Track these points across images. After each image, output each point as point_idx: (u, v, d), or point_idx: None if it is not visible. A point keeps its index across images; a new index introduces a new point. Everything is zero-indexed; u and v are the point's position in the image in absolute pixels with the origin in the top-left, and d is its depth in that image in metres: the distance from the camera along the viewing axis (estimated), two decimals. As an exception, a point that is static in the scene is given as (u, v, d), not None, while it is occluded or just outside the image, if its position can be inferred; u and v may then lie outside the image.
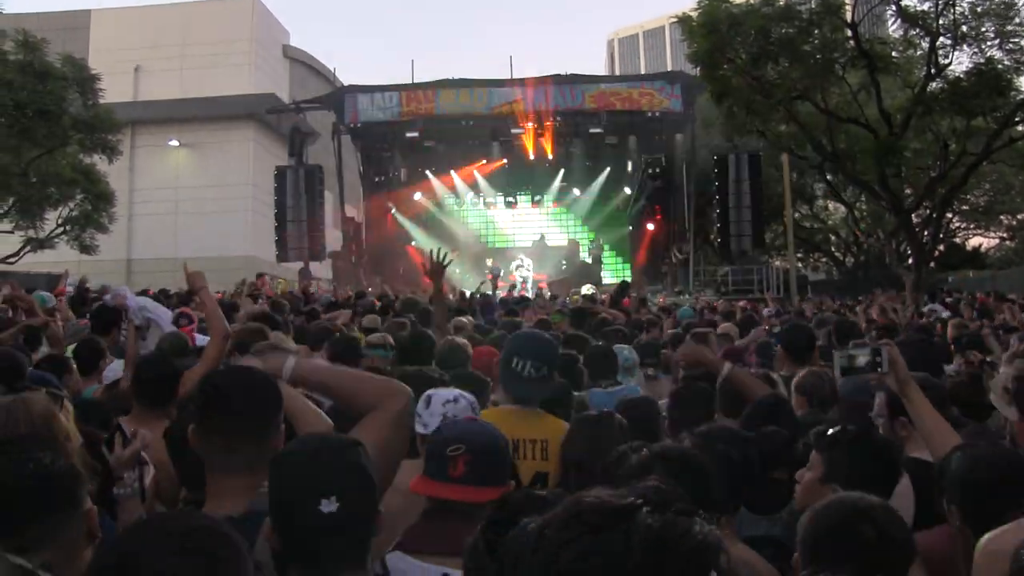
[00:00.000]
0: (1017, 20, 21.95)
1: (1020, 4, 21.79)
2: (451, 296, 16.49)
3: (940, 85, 22.69)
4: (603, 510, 1.15)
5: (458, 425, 2.80)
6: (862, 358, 3.44)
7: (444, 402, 3.45)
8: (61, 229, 30.34)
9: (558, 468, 3.79)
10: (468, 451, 2.61)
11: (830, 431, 3.12)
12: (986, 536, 2.45)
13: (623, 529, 1.11)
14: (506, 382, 4.01)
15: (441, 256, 6.67)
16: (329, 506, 2.05)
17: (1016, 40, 22.10)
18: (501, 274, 30.71)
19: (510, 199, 35.60)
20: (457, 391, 3.58)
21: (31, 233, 29.79)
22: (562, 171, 34.33)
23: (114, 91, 32.19)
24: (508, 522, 1.98)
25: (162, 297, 13.97)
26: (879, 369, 3.36)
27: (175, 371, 4.60)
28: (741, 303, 19.31)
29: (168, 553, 1.48)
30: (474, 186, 34.92)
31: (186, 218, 40.21)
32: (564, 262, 33.34)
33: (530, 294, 25.51)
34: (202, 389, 2.73)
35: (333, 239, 35.06)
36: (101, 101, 29.00)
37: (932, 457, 3.13)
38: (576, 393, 5.15)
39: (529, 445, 3.86)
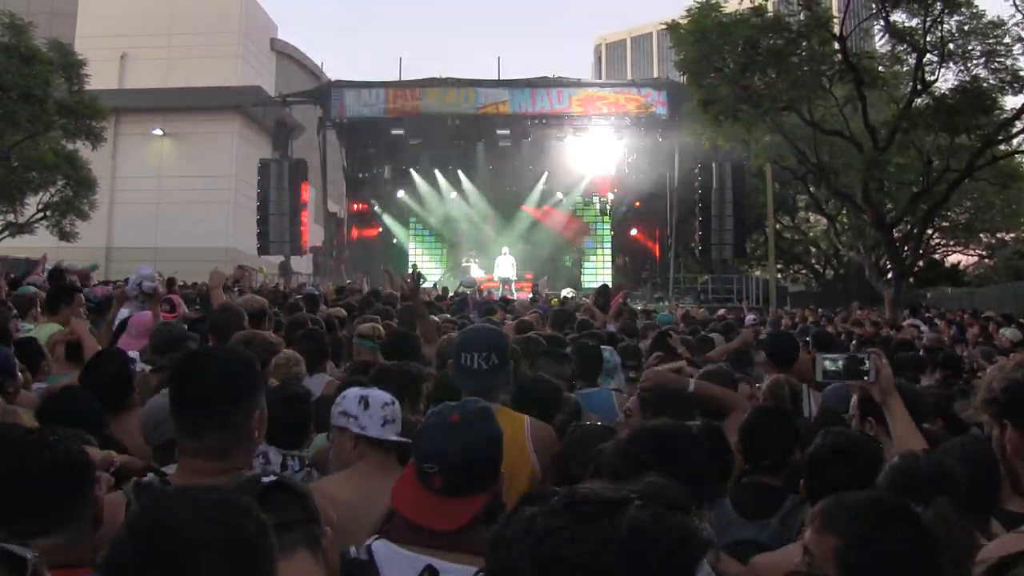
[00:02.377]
0: (1005, 39, 22.12)
1: (1008, 25, 21.96)
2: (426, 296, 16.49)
3: (926, 101, 22.81)
4: (594, 500, 1.20)
5: (436, 435, 2.75)
6: (843, 363, 3.45)
7: (383, 404, 3.54)
8: (41, 215, 30.11)
9: (522, 468, 3.74)
10: (441, 471, 2.61)
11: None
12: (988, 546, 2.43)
13: (610, 519, 1.15)
14: (459, 379, 3.96)
15: (415, 276, 6.63)
16: None
17: (1001, 60, 22.27)
18: (475, 283, 30.56)
19: (492, 199, 35.54)
20: (391, 395, 3.64)
21: (10, 218, 29.55)
22: (545, 173, 34.29)
23: (100, 78, 32.01)
24: None
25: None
26: (865, 378, 3.37)
27: (125, 370, 4.60)
28: (720, 311, 19.41)
29: (199, 522, 1.51)
30: (458, 185, 34.81)
31: (167, 208, 40.03)
32: (545, 265, 33.28)
33: (512, 294, 25.48)
34: (172, 370, 2.80)
35: (314, 234, 35.00)
36: (86, 87, 28.84)
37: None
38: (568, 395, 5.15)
39: None
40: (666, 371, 5.52)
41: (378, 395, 3.59)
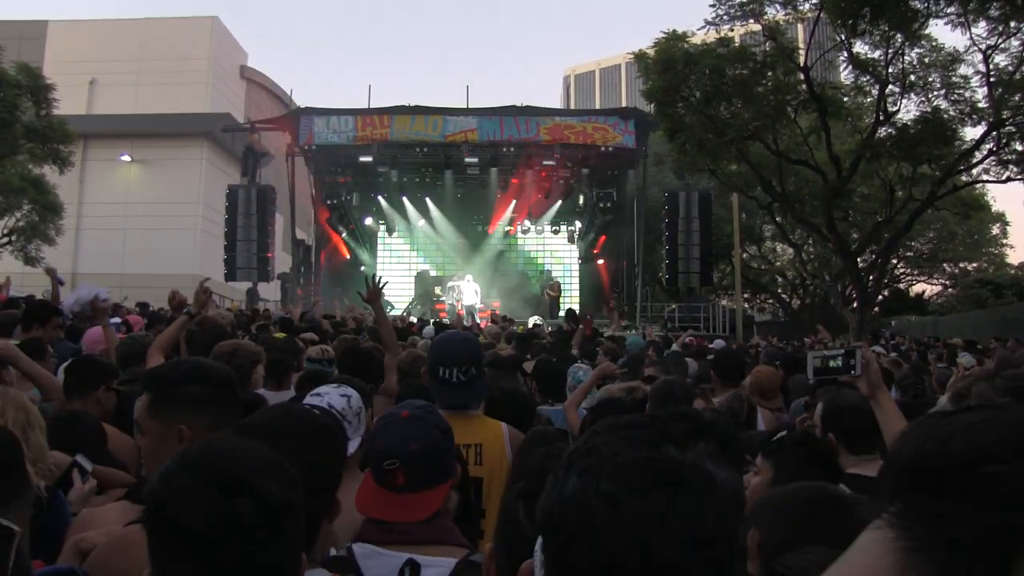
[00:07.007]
0: (961, 72, 22.59)
1: (964, 54, 22.44)
2: (398, 322, 16.57)
3: (888, 131, 23.17)
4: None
5: (391, 432, 2.73)
6: (836, 360, 3.40)
7: (342, 394, 3.42)
8: (6, 239, 29.77)
9: (502, 472, 3.73)
10: (402, 464, 2.61)
11: (776, 437, 3.21)
12: None
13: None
14: (436, 393, 3.92)
15: (376, 282, 6.65)
16: None
17: (960, 91, 22.71)
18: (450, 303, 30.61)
19: (460, 226, 35.60)
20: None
21: (-26, 242, 29.26)
22: (513, 202, 34.38)
23: (68, 103, 31.86)
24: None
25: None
26: (852, 372, 3.31)
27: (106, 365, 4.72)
28: (687, 338, 19.53)
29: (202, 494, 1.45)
30: (426, 213, 34.85)
31: (135, 234, 39.72)
32: (512, 292, 33.30)
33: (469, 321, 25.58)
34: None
35: (282, 261, 34.88)
36: (55, 112, 28.67)
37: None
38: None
39: (463, 449, 3.75)
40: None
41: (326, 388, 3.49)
